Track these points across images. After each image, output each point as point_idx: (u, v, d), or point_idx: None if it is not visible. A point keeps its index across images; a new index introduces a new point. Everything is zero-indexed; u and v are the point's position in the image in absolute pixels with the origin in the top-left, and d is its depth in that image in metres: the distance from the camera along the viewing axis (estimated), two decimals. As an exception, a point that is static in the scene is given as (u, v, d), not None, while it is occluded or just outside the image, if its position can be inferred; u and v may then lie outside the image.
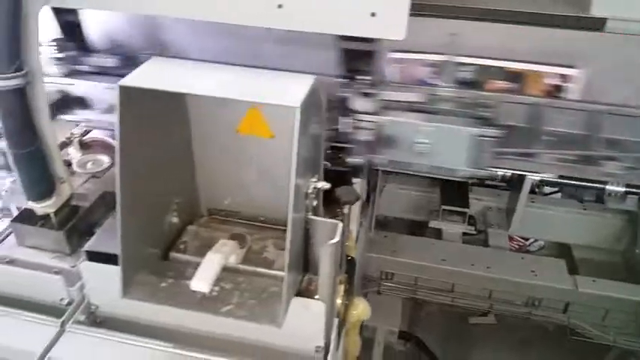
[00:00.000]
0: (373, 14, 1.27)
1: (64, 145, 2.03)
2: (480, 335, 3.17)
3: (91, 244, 1.54)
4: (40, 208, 1.58)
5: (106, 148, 2.04)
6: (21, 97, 1.41)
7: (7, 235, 1.74)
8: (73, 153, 1.97)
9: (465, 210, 2.68)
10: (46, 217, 1.64)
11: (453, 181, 2.72)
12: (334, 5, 1.29)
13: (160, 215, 1.54)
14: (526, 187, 2.44)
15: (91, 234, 1.69)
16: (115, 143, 1.29)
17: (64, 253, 1.64)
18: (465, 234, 2.75)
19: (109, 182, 1.86)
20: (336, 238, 1.29)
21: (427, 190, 2.85)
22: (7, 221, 1.87)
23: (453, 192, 2.74)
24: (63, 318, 1.48)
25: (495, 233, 2.78)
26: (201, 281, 1.30)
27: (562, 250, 2.82)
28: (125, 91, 1.22)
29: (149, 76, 1.28)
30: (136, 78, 1.25)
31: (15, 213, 1.88)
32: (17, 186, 1.86)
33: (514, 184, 2.56)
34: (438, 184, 2.79)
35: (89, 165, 1.87)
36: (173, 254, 1.54)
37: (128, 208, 1.32)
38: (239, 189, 1.67)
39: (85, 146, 2.01)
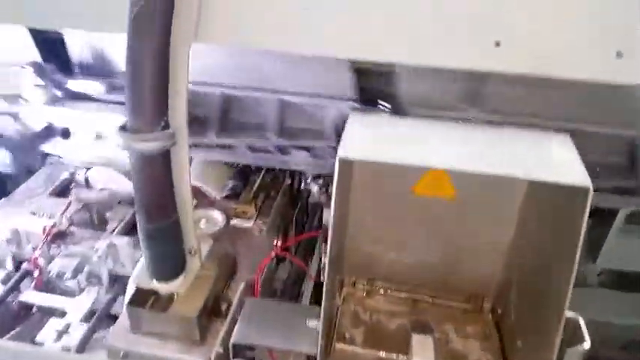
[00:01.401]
0: (619, 54, 1.01)
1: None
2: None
3: (238, 336, 1.25)
4: (167, 288, 1.27)
5: (203, 197, 1.72)
6: (164, 161, 1.11)
7: (109, 316, 1.42)
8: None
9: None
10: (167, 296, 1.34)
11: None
12: (568, 41, 1.02)
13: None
14: (620, 217, 2.26)
15: (219, 313, 1.40)
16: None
17: (192, 341, 1.33)
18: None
19: (224, 244, 1.55)
20: (587, 343, 1.05)
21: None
22: (93, 291, 1.56)
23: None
24: None
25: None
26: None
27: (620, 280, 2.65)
28: (343, 164, 0.95)
29: (371, 145, 1.01)
30: (358, 149, 0.97)
31: (105, 280, 1.56)
32: (112, 250, 1.56)
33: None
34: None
35: (202, 223, 1.56)
36: (340, 346, 1.27)
37: (333, 291, 1.03)
38: (393, 256, 1.41)
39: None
